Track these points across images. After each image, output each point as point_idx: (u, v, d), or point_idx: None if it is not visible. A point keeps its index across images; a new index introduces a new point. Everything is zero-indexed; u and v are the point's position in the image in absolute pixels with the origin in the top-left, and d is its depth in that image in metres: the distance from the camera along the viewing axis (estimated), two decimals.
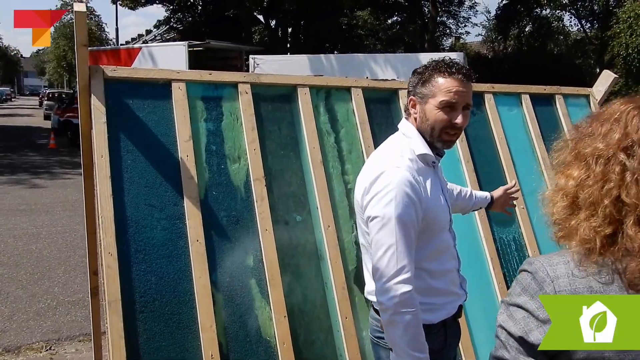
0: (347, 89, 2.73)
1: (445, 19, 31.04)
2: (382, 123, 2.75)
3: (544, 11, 27.66)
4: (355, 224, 2.31)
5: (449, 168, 2.82)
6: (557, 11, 27.62)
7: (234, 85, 2.53)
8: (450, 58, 1.85)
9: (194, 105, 2.43)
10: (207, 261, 2.21)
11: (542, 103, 3.22)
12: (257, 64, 16.25)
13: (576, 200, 1.05)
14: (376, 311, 1.86)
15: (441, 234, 1.85)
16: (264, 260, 2.30)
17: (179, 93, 2.38)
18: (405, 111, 1.91)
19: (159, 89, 2.38)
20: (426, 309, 1.79)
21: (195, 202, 2.27)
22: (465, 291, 2.01)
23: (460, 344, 2.48)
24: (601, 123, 1.08)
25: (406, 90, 1.93)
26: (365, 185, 1.76)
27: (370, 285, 1.90)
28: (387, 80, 2.91)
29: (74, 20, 2.07)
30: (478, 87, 3.24)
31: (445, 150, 1.89)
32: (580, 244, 1.03)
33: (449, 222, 1.91)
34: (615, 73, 3.18)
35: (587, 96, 3.35)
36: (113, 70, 2.30)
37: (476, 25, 45.81)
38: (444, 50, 28.44)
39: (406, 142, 1.82)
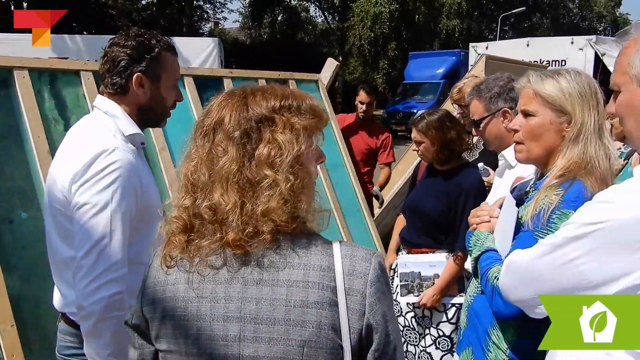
0: (76, 73, 2.54)
1: (202, 3, 30.81)
2: None
3: (293, 1, 29.62)
4: None
5: None
6: (304, 2, 29.88)
7: None
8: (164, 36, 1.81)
9: None
10: None
11: None
12: None
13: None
14: (71, 323, 1.61)
15: (157, 222, 1.58)
16: None
17: None
18: (114, 88, 1.65)
19: None
20: None
21: None
22: None
23: None
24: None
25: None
26: (75, 170, 1.49)
27: (68, 293, 1.61)
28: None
29: None
30: (217, 72, 3.35)
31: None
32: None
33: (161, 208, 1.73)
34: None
35: (316, 81, 3.73)
36: None
37: (233, 11, 46.50)
38: (202, 35, 28.31)
39: (111, 122, 1.62)
